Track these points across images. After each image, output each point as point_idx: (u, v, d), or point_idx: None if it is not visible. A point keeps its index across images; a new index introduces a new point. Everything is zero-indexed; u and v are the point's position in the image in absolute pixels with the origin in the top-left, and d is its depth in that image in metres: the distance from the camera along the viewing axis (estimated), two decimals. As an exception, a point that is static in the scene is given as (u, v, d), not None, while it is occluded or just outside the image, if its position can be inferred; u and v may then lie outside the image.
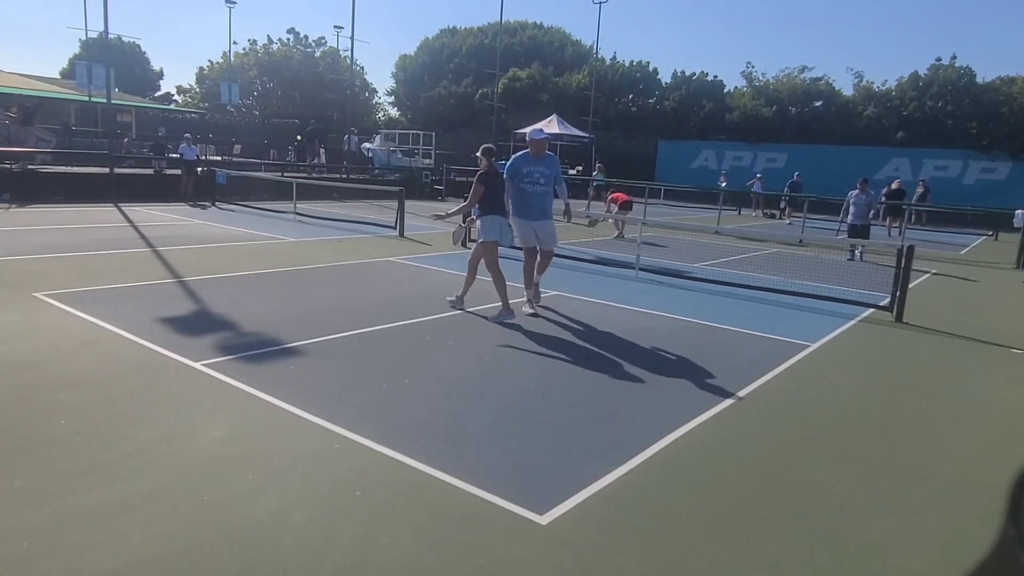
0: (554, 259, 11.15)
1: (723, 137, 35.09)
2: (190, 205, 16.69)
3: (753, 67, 39.16)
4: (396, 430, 3.94)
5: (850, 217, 13.57)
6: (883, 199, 19.46)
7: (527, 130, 6.61)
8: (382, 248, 11.29)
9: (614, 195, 15.63)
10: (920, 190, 23.09)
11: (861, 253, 13.51)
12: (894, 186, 19.97)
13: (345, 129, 30.84)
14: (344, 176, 24.53)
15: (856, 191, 13.48)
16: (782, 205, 23.73)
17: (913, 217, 22.84)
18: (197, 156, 18.66)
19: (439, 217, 7.47)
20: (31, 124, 17.01)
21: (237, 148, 31.70)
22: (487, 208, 6.82)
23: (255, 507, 3.05)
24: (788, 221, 22.27)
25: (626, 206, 15.60)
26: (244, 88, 41.75)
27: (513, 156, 7.22)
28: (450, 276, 8.96)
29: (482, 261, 6.90)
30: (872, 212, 13.70)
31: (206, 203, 17.08)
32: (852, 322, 7.70)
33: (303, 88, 44.08)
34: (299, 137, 31.11)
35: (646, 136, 36.49)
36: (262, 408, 4.18)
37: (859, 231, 13.42)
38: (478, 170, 6.87)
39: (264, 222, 14.14)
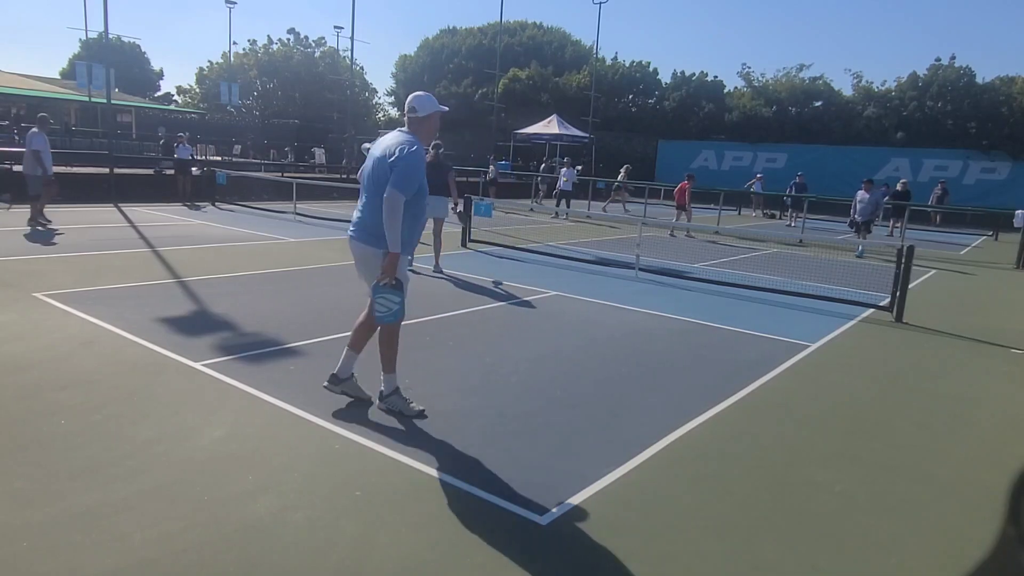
0: (553, 259, 11.27)
1: (723, 137, 35.10)
2: (188, 206, 16.67)
3: (750, 68, 39.24)
4: (396, 430, 3.94)
5: (857, 215, 14.35)
6: (888, 201, 19.65)
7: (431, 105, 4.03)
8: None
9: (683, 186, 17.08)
10: (938, 192, 23.40)
11: (861, 250, 13.88)
12: (899, 187, 20.03)
13: (345, 129, 30.89)
14: (344, 176, 24.52)
15: (861, 190, 14.12)
16: (787, 203, 23.52)
17: (938, 219, 23.27)
18: (192, 156, 18.64)
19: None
20: None
21: (237, 148, 31.70)
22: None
23: (255, 507, 3.05)
24: (791, 223, 22.17)
25: (681, 206, 16.84)
26: (244, 88, 41.74)
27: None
28: (451, 275, 8.96)
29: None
30: (877, 210, 14.22)
31: (203, 203, 17.06)
32: (852, 322, 7.70)
33: (303, 88, 44.09)
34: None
35: (646, 136, 36.49)
36: (262, 408, 4.18)
37: (860, 226, 14.00)
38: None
39: (264, 222, 14.14)
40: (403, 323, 6.49)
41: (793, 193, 21.98)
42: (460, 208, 10.44)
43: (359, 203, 4.10)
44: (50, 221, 11.71)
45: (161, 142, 21.84)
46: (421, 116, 3.98)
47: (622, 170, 22.66)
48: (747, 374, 5.45)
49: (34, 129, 11.75)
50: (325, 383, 4.25)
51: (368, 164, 4.06)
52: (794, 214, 22.65)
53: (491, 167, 24.08)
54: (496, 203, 15.48)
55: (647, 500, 3.34)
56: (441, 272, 9.16)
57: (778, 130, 33.80)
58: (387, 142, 3.97)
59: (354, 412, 4.16)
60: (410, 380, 4.82)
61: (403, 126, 4.06)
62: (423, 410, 4.18)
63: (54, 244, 9.77)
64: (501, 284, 8.58)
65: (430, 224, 9.42)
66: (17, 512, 2.89)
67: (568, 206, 20.07)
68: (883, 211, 18.92)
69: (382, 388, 4.22)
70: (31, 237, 10.42)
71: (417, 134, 3.98)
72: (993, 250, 17.52)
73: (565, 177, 20.02)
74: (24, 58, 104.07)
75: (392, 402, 4.16)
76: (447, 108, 4.32)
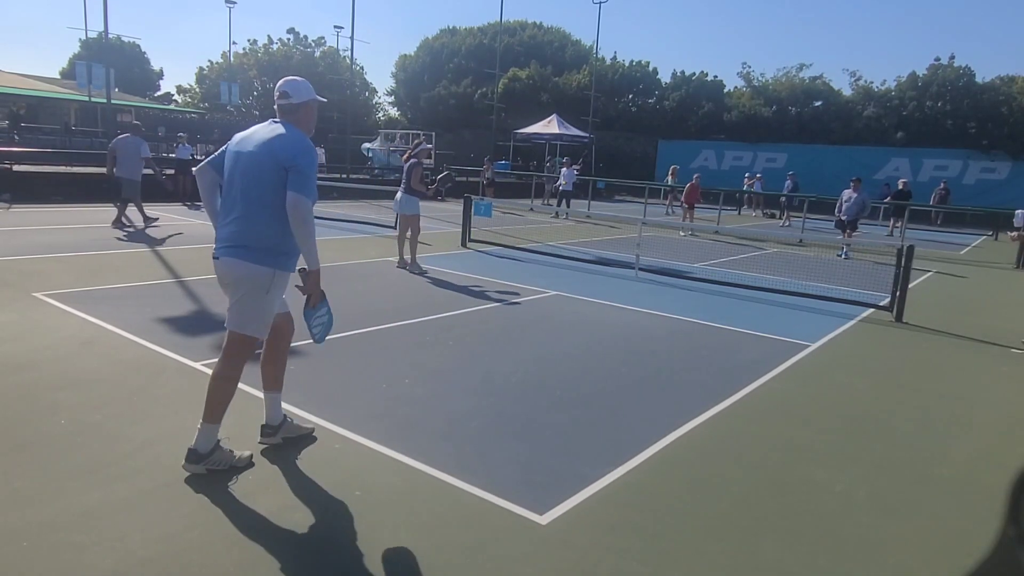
0: (553, 259, 11.28)
1: (723, 137, 35.10)
2: (188, 206, 16.67)
3: (750, 67, 39.23)
4: (396, 430, 3.94)
5: (843, 215, 14.25)
6: (888, 200, 19.69)
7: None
8: (382, 248, 11.28)
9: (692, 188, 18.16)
10: (941, 191, 23.59)
11: (847, 252, 13.87)
12: (900, 186, 20.03)
13: (345, 129, 30.91)
14: (344, 176, 24.54)
15: (849, 189, 14.02)
16: (782, 204, 23.44)
17: (939, 219, 23.43)
18: (192, 156, 18.64)
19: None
20: None
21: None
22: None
23: (255, 507, 3.05)
24: (786, 223, 22.02)
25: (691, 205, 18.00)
26: (244, 88, 41.76)
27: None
28: (450, 276, 8.96)
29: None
30: (864, 210, 14.08)
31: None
32: (852, 322, 7.70)
33: (303, 88, 43.97)
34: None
35: (646, 136, 36.50)
36: (262, 408, 4.16)
37: (847, 225, 13.93)
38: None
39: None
40: (404, 323, 6.53)
41: (787, 193, 21.89)
42: (434, 191, 10.26)
43: (227, 213, 3.29)
44: (156, 218, 12.53)
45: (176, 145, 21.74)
46: (296, 103, 3.34)
47: (670, 173, 22.90)
48: (747, 374, 5.45)
49: (128, 135, 12.14)
50: (259, 439, 3.66)
51: (239, 163, 3.25)
52: (788, 214, 22.48)
53: (486, 167, 23.98)
54: (496, 203, 15.49)
55: (647, 500, 3.34)
56: (420, 271, 9.19)
57: (778, 130, 33.80)
58: (263, 136, 3.25)
59: (355, 412, 4.16)
60: (410, 380, 4.83)
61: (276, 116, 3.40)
62: (312, 429, 3.80)
63: (55, 244, 9.77)
64: (496, 287, 8.58)
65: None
66: (17, 512, 2.89)
67: (568, 206, 20.07)
68: (871, 210, 18.89)
69: (269, 421, 3.65)
70: (131, 237, 11.02)
71: (295, 124, 3.32)
72: (993, 250, 17.52)
73: (564, 179, 20.01)
74: (24, 58, 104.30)
75: (288, 428, 3.70)
76: (325, 99, 3.72)
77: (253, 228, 3.21)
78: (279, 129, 3.28)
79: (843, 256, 13.74)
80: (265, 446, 3.65)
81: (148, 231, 11.66)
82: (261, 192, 3.19)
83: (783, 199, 22.66)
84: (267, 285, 3.25)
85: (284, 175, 3.13)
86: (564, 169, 20.43)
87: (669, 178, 23.48)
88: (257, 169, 3.19)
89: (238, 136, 3.42)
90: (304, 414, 4.08)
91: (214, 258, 3.33)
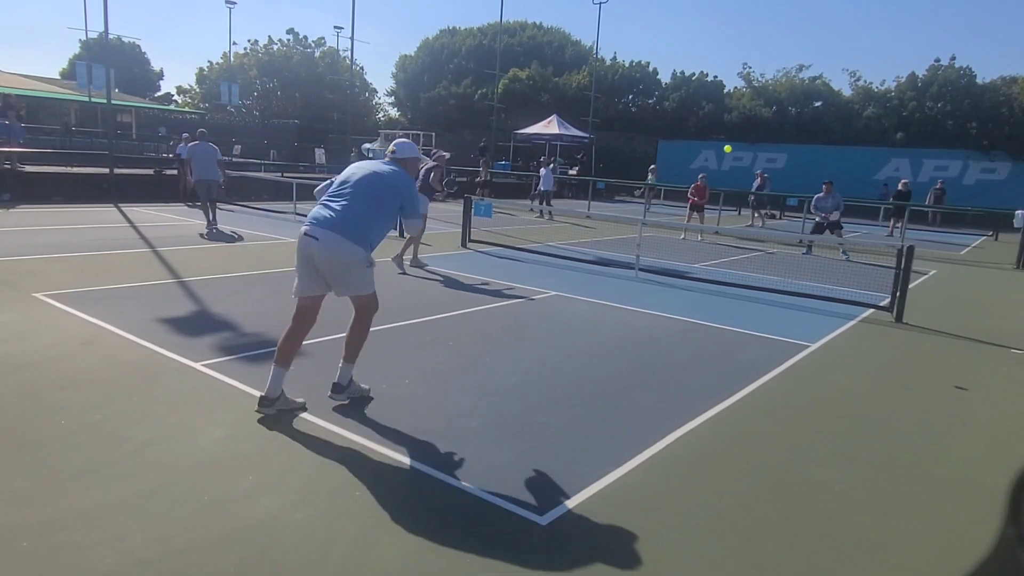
0: (553, 259, 11.28)
1: (723, 137, 35.08)
2: (188, 205, 16.68)
3: (750, 68, 39.24)
4: (396, 430, 3.94)
5: (817, 217, 14.15)
6: (891, 201, 19.65)
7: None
8: (382, 248, 11.25)
9: (696, 188, 17.34)
10: (937, 190, 23.60)
11: (809, 246, 13.91)
12: (901, 187, 19.99)
13: (345, 129, 30.93)
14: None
15: (821, 194, 13.95)
16: (751, 203, 22.36)
17: (938, 219, 23.48)
18: None
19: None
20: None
21: (237, 148, 31.68)
22: None
23: (255, 507, 3.05)
24: (754, 223, 21.44)
25: (698, 207, 17.17)
26: (244, 88, 41.76)
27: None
28: (450, 276, 8.96)
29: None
30: (836, 212, 13.98)
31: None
32: (852, 322, 7.70)
33: (303, 88, 44.08)
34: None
35: (646, 136, 36.50)
36: (253, 405, 4.17)
37: (820, 228, 13.94)
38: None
39: (264, 222, 14.15)
40: (405, 323, 6.52)
41: (754, 192, 21.18)
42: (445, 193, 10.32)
43: (334, 200, 4.08)
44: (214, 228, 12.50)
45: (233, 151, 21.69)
46: (400, 158, 4.38)
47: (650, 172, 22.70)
48: (747, 374, 5.45)
49: (199, 143, 12.46)
50: (256, 408, 4.04)
51: (360, 175, 4.16)
52: (756, 214, 21.50)
53: (482, 164, 23.88)
54: (495, 203, 15.49)
55: (647, 500, 3.34)
56: (402, 269, 9.21)
57: (778, 130, 33.81)
58: (385, 168, 4.26)
59: (355, 412, 4.16)
60: (410, 380, 4.83)
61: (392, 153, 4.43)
62: (368, 389, 4.46)
63: (55, 244, 9.77)
64: (496, 287, 8.58)
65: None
66: (17, 512, 2.89)
67: (550, 204, 19.89)
68: (870, 210, 18.69)
69: (339, 380, 4.28)
70: (211, 236, 11.62)
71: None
72: (993, 250, 17.52)
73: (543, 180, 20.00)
74: (24, 58, 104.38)
75: (352, 390, 4.33)
76: (425, 157, 4.99)
77: (358, 215, 3.99)
78: (395, 167, 4.31)
79: (808, 253, 13.85)
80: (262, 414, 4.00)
81: (208, 233, 11.90)
82: (375, 195, 4.08)
83: (752, 198, 21.50)
84: (368, 260, 4.08)
85: (396, 199, 4.17)
86: (543, 169, 20.46)
87: (650, 176, 23.30)
88: (378, 181, 4.13)
89: (357, 163, 4.40)
90: (304, 414, 4.08)
91: (310, 236, 3.94)
